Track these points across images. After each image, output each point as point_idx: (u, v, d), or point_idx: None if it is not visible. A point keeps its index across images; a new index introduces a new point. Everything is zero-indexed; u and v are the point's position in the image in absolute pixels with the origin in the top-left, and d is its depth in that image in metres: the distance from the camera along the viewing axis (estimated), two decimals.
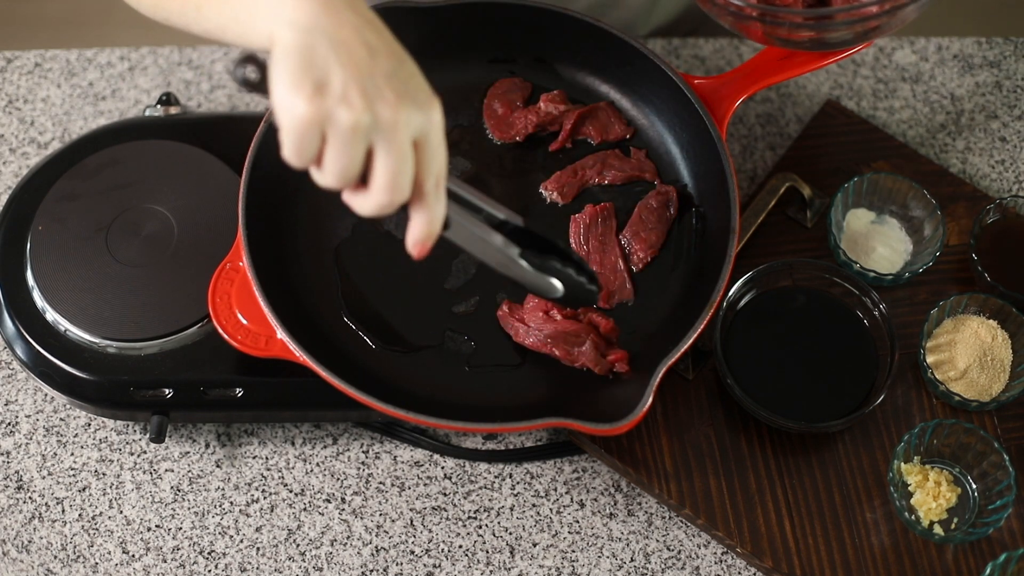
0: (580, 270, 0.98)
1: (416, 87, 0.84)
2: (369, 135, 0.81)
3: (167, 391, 1.07)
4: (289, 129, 0.80)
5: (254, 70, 0.82)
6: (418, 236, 0.86)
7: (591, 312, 1.07)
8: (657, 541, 1.08)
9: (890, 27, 1.02)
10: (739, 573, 1.07)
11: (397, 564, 1.07)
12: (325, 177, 0.83)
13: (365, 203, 0.84)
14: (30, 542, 1.09)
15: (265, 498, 1.10)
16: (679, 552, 1.08)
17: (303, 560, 1.08)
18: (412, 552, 1.08)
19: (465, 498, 1.10)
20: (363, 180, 0.83)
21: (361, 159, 0.82)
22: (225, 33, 0.91)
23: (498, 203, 0.95)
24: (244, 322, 1.03)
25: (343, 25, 0.82)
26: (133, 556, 1.08)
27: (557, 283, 0.97)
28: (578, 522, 1.09)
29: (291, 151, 0.81)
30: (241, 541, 1.09)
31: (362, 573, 1.07)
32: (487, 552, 1.08)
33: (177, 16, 0.95)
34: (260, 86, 0.82)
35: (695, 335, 1.01)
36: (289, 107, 0.80)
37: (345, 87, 0.80)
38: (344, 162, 0.81)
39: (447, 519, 1.09)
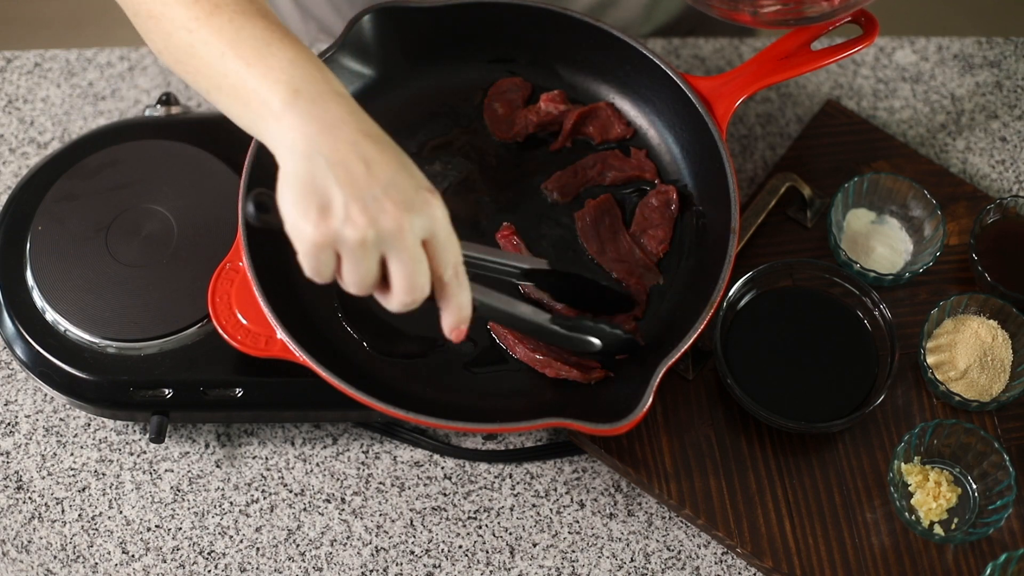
0: (612, 322, 1.03)
1: (414, 190, 0.87)
2: (379, 247, 0.85)
3: (167, 391, 1.07)
4: (303, 252, 0.86)
5: (264, 206, 0.88)
6: (451, 324, 0.91)
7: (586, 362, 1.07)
8: (657, 541, 1.08)
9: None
10: (739, 573, 1.07)
11: (397, 564, 1.07)
12: (348, 287, 0.88)
13: (392, 303, 0.89)
14: (30, 542, 1.08)
15: (265, 498, 1.10)
16: (679, 552, 1.08)
17: (303, 560, 1.08)
18: (412, 552, 1.08)
19: (465, 498, 1.10)
20: (386, 282, 0.88)
21: (375, 269, 0.86)
22: (233, 120, 0.95)
23: (519, 254, 1.01)
24: (244, 322, 1.03)
25: (339, 143, 0.86)
26: (133, 556, 1.08)
27: (594, 340, 1.02)
28: (578, 522, 1.09)
29: (310, 270, 0.87)
30: (241, 541, 1.09)
31: (362, 573, 1.07)
32: (487, 552, 1.08)
33: (192, 80, 0.97)
34: (271, 216, 0.88)
35: (695, 335, 1.01)
36: (299, 233, 0.85)
37: (347, 207, 0.84)
38: (360, 274, 0.86)
39: (447, 519, 1.09)
